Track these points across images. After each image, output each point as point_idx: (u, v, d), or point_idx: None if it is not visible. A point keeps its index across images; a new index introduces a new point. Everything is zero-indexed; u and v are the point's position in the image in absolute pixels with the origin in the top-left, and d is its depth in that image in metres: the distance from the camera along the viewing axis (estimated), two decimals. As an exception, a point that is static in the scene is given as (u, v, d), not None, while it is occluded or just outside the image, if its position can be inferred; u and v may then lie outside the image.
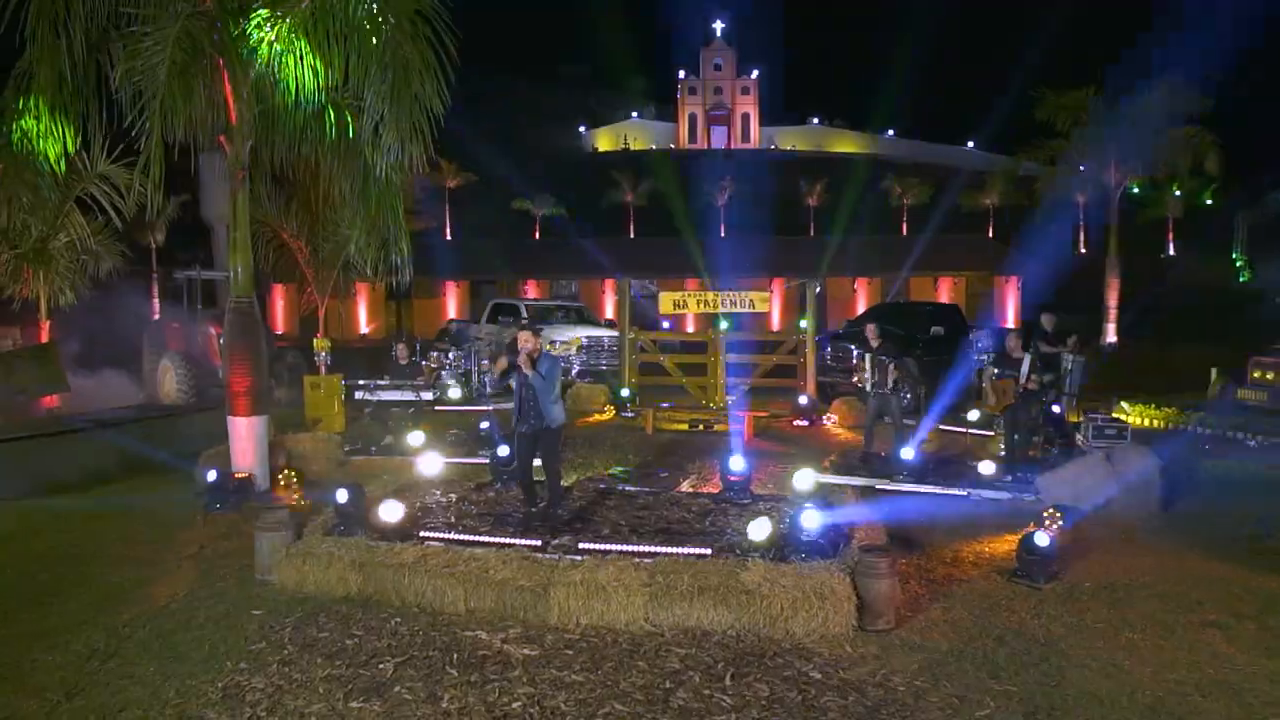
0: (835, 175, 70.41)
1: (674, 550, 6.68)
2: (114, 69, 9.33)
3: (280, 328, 35.06)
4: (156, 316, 23.84)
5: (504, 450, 9.17)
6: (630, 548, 6.80)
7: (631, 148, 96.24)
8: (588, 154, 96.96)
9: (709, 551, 6.67)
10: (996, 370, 11.23)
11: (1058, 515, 8.25)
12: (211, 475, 9.01)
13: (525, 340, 7.83)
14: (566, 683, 5.31)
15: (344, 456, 11.29)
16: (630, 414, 15.47)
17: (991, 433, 13.22)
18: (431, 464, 9.77)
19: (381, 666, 5.51)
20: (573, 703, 5.06)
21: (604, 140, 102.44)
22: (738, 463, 8.53)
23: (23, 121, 9.64)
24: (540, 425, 7.92)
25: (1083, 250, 55.96)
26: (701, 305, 15.70)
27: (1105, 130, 27.11)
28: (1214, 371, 15.41)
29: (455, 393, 16.44)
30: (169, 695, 5.14)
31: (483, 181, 66.01)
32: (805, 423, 14.88)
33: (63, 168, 10.32)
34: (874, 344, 11.63)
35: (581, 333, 18.56)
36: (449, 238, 57.57)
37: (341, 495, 7.30)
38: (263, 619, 6.29)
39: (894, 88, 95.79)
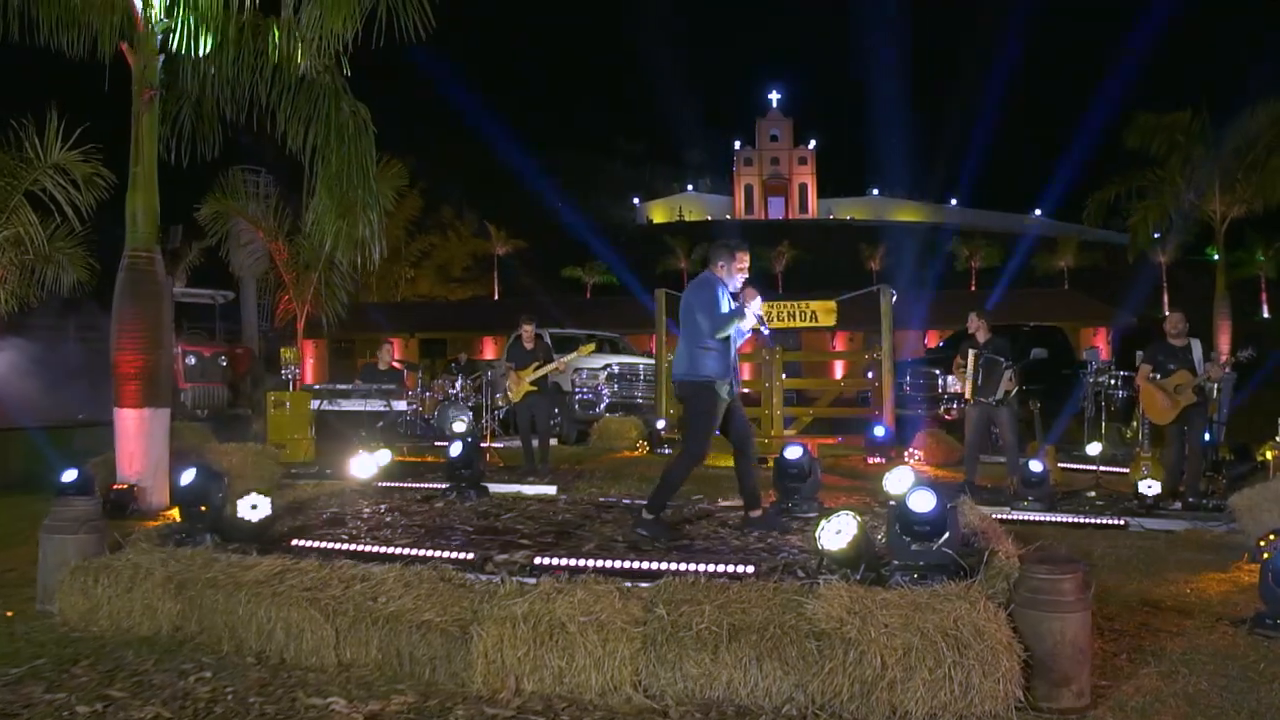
0: (896, 240, 67.76)
1: (690, 568, 3.94)
2: None
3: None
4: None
5: (456, 449, 6.57)
6: (615, 563, 4.08)
7: (686, 219, 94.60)
8: (642, 226, 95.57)
9: (750, 570, 3.93)
10: (1154, 367, 8.29)
11: (1282, 544, 5.41)
12: (69, 476, 6.48)
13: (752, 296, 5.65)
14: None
15: (284, 476, 8.74)
16: (667, 450, 12.76)
17: (1125, 470, 10.26)
18: (364, 466, 7.14)
19: (109, 761, 2.85)
20: None
21: (658, 213, 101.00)
22: (796, 453, 5.77)
23: None
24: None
25: (1166, 312, 52.33)
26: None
27: (1209, 152, 24.23)
28: None
29: (460, 426, 13.88)
30: None
31: (534, 251, 64.83)
32: (881, 460, 11.99)
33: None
34: (980, 338, 8.84)
35: (611, 360, 15.97)
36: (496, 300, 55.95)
37: (186, 478, 4.72)
38: (-32, 671, 3.67)
39: (956, 158, 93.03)
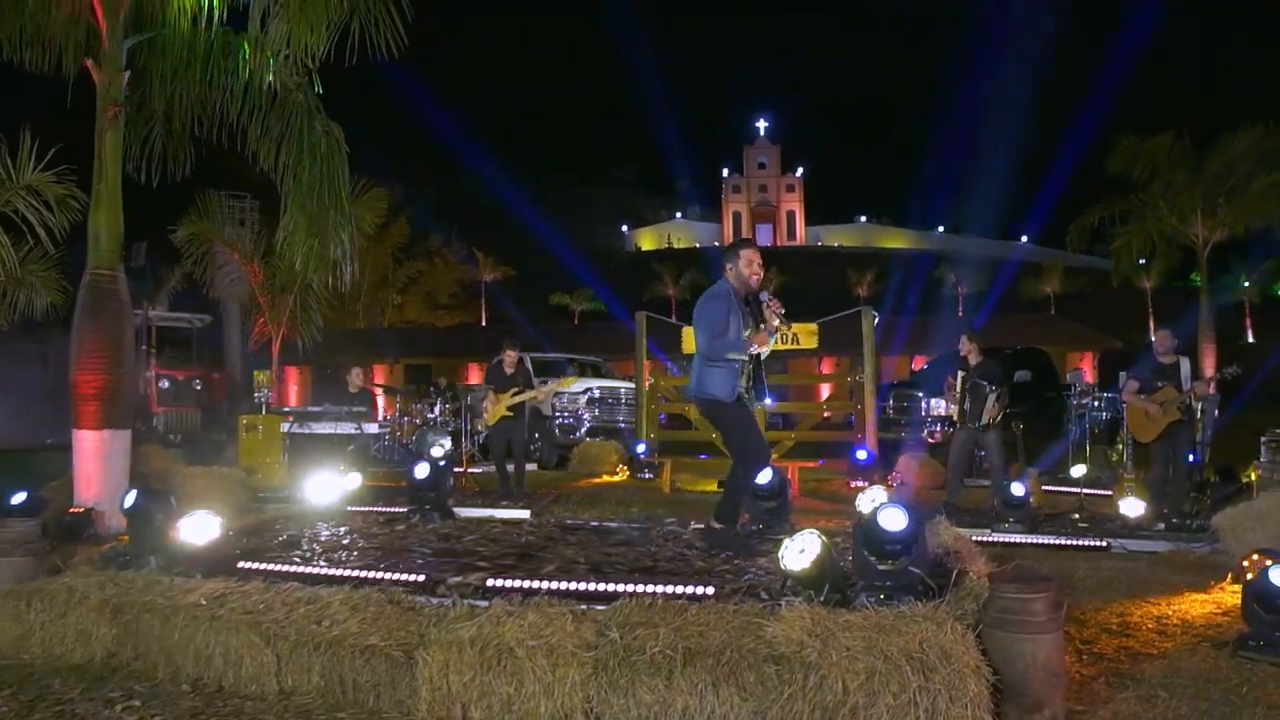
0: (885, 267, 68.03)
1: (647, 589, 3.78)
2: None
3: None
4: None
5: (422, 471, 6.39)
6: (569, 585, 3.92)
7: (675, 246, 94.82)
8: (630, 253, 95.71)
9: (710, 591, 3.77)
10: (1140, 385, 8.20)
11: (1265, 561, 5.26)
12: (18, 499, 6.27)
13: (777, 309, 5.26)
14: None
15: (252, 500, 8.52)
16: (648, 474, 12.58)
17: (1109, 492, 10.14)
18: (328, 489, 6.95)
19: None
20: None
21: (647, 240, 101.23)
22: (766, 476, 5.61)
23: None
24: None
25: (1152, 338, 52.54)
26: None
27: (1191, 177, 24.30)
28: None
29: (439, 450, 13.66)
30: None
31: (522, 278, 64.81)
32: (864, 484, 11.83)
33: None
34: (972, 360, 8.72)
35: (592, 384, 15.78)
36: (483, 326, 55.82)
37: (129, 500, 4.55)
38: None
39: (943, 185, 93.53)
